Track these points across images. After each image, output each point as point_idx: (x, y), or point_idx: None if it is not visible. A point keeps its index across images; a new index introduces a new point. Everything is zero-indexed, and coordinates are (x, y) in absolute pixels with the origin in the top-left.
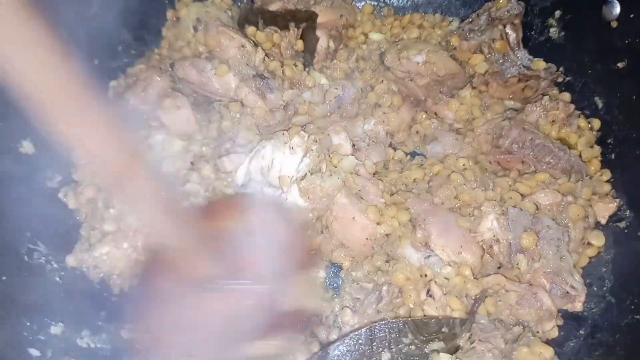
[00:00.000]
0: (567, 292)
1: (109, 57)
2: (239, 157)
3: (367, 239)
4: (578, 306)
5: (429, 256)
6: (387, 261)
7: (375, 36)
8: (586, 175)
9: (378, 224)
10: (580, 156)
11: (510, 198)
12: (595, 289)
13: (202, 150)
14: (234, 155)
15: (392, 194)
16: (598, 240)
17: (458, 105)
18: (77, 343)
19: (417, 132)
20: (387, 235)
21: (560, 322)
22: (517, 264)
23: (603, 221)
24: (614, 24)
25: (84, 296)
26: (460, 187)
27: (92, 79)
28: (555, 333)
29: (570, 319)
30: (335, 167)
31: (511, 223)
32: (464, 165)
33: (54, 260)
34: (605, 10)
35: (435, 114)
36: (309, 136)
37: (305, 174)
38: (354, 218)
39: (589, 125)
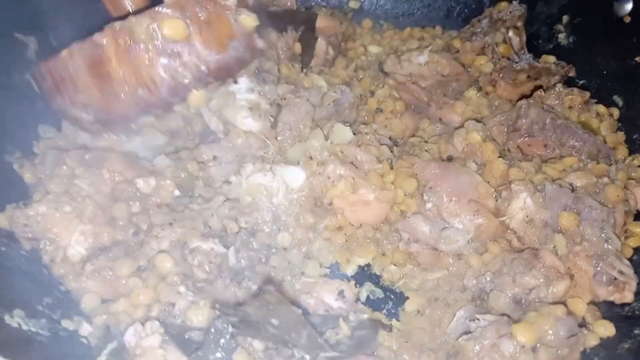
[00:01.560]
0: (615, 279)
1: None
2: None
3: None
4: (628, 296)
5: (444, 228)
6: None
7: (374, 49)
8: (616, 162)
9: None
10: (604, 142)
11: (545, 175)
12: None
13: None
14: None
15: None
16: None
17: (464, 107)
18: (4, 320)
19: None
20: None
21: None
22: (554, 246)
23: None
24: (627, 19)
25: (24, 276)
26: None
27: None
28: (612, 330)
29: (620, 321)
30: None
31: (549, 200)
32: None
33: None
34: (616, 6)
35: (440, 119)
36: None
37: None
38: (359, 194)
39: (609, 112)
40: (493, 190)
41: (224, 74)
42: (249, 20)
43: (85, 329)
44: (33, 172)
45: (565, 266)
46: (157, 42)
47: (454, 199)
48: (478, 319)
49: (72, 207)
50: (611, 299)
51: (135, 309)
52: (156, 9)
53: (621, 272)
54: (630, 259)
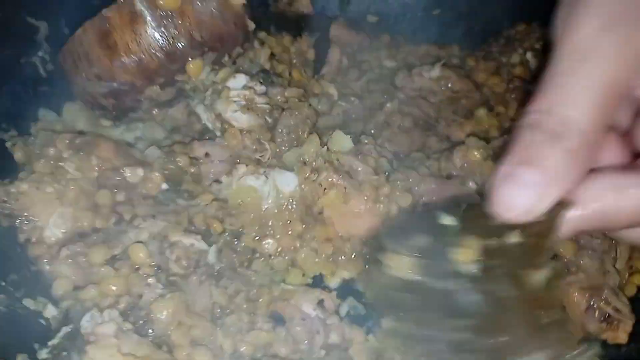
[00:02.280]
0: (609, 316)
1: None
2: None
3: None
4: (622, 336)
5: None
6: None
7: (389, 63)
8: None
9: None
10: None
11: None
12: None
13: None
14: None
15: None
16: None
17: (473, 126)
18: None
19: None
20: None
21: None
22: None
23: None
24: None
25: None
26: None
27: None
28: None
29: None
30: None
31: None
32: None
33: None
34: None
35: (448, 137)
36: None
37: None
38: (351, 205)
39: None
40: None
41: (217, 44)
42: None
43: (50, 312)
44: (25, 152)
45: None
46: (154, 12)
47: None
48: None
49: (54, 189)
50: (603, 337)
51: (103, 298)
52: None
53: (616, 310)
54: (633, 298)
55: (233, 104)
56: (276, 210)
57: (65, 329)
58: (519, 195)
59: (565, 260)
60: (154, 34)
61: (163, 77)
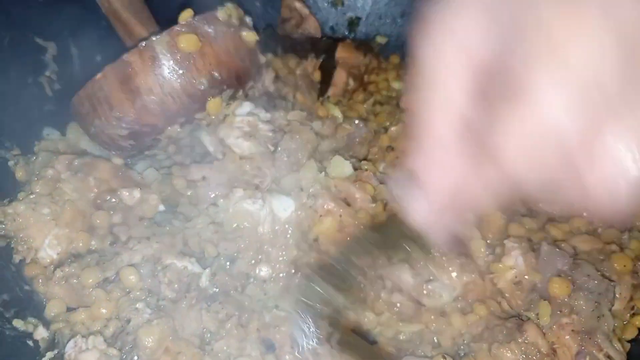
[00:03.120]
0: None
1: None
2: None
3: None
4: None
5: (430, 280)
6: None
7: (397, 84)
8: (631, 229)
9: None
10: None
11: (546, 234)
12: None
13: None
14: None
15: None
16: None
17: None
18: None
19: None
20: None
21: None
22: (537, 314)
23: None
24: None
25: None
26: None
27: None
28: None
29: None
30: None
31: (542, 262)
32: None
33: None
34: None
35: None
36: None
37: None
38: (346, 233)
39: None
40: (485, 249)
41: (234, 81)
42: (250, 35)
43: (40, 333)
44: (26, 171)
45: (549, 340)
46: (174, 55)
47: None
48: None
49: (50, 210)
50: None
51: (93, 321)
52: (173, 27)
53: (608, 356)
54: (633, 341)
55: (236, 130)
56: (272, 236)
57: (49, 354)
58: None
59: (559, 301)
60: (176, 76)
61: (184, 117)
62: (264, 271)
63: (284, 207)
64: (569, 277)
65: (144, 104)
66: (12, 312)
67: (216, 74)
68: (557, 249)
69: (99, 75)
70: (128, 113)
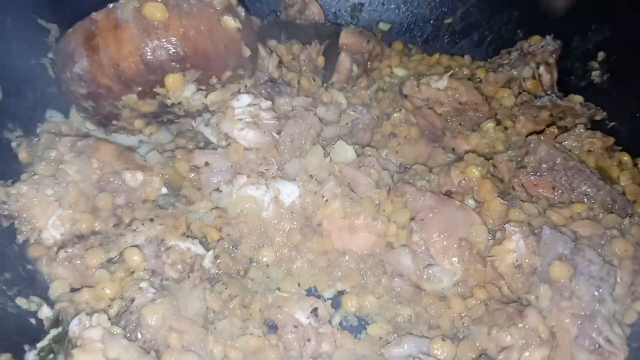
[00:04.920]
0: (599, 346)
1: None
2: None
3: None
4: None
5: (430, 265)
6: None
7: (400, 71)
8: (632, 215)
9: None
10: (623, 193)
11: (547, 219)
12: None
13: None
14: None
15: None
16: None
17: (479, 140)
18: None
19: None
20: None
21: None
22: (537, 297)
23: None
24: None
25: None
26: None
27: None
28: None
29: None
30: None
31: (543, 246)
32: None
33: None
34: None
35: (453, 149)
36: None
37: None
38: (350, 220)
39: (634, 162)
40: (487, 235)
41: (202, 63)
42: (231, 22)
43: (44, 312)
44: (29, 152)
45: (549, 324)
46: (138, 21)
47: (444, 234)
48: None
49: (54, 191)
50: None
51: (97, 301)
52: None
53: (608, 340)
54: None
55: (239, 123)
56: (275, 221)
57: (54, 331)
58: None
59: (559, 285)
60: (134, 41)
61: (140, 86)
62: (267, 255)
63: (289, 193)
64: (570, 261)
65: (100, 63)
66: (14, 290)
67: (179, 49)
68: (559, 233)
69: (70, 30)
70: (85, 70)
